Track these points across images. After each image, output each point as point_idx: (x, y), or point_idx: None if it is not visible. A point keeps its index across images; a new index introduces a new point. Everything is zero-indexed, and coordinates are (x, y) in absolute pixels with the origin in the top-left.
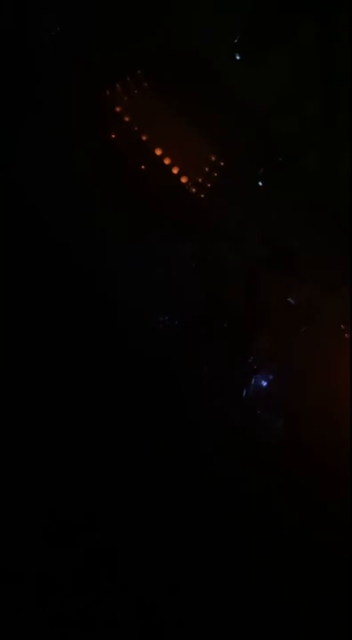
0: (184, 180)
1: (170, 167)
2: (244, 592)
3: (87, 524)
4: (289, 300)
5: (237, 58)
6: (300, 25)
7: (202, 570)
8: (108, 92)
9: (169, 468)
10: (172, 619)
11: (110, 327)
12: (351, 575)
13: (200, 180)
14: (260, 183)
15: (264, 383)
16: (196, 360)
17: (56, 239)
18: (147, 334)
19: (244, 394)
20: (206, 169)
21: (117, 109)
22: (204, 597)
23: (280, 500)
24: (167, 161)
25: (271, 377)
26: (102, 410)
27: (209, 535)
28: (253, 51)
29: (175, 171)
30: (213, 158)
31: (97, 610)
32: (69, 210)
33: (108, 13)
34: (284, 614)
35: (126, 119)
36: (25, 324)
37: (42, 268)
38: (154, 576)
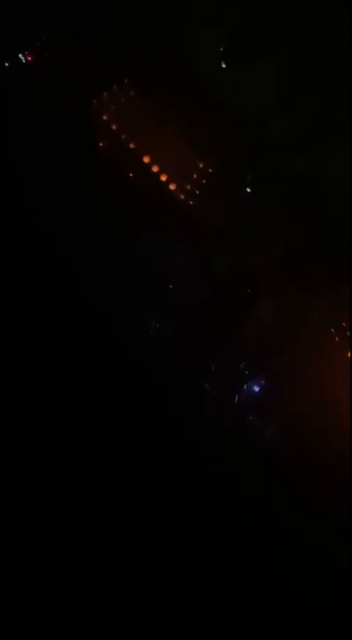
0: (172, 186)
1: (158, 174)
2: (243, 592)
3: (86, 525)
4: (281, 304)
5: (223, 66)
6: (289, 29)
7: (202, 570)
8: (95, 101)
9: (168, 470)
10: (172, 619)
11: (105, 331)
12: (351, 575)
13: (188, 186)
14: (249, 189)
15: (257, 387)
16: (190, 364)
17: (49, 243)
18: (141, 338)
19: (237, 398)
20: (195, 175)
21: (104, 118)
22: (203, 598)
23: (279, 500)
24: (155, 168)
25: (264, 381)
26: (99, 412)
27: (208, 535)
28: (241, 56)
29: (163, 178)
30: (201, 165)
31: (95, 609)
32: (60, 216)
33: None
34: (283, 614)
35: (113, 127)
36: (21, 326)
37: (36, 272)
38: (154, 576)
